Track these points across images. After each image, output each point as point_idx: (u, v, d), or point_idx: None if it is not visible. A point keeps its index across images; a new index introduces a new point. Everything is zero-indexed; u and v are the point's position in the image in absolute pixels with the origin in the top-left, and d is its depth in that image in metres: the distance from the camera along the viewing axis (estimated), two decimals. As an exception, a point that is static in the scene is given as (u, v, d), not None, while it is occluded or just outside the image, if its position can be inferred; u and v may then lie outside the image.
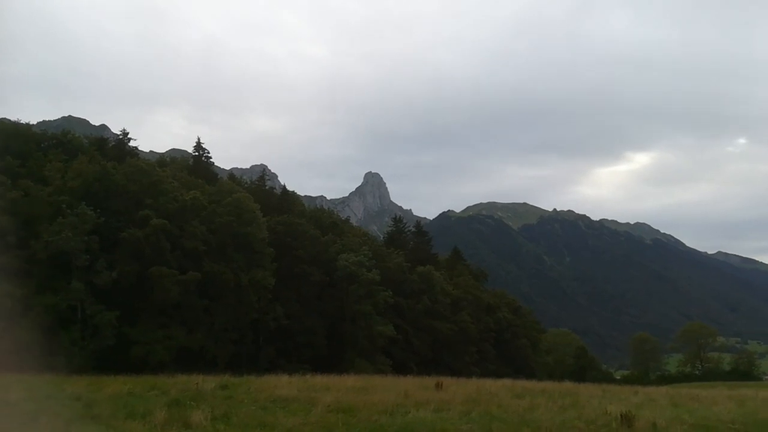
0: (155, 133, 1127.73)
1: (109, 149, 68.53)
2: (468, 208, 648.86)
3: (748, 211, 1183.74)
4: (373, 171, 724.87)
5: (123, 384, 25.09)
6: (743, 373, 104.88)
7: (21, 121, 71.90)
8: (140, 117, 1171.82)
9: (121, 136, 72.66)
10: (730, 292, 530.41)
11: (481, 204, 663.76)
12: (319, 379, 31.68)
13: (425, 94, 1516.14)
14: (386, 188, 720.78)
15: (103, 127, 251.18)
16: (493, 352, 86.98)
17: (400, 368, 59.75)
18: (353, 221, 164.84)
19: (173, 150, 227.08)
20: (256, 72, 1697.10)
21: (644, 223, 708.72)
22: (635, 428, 17.07)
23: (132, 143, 71.41)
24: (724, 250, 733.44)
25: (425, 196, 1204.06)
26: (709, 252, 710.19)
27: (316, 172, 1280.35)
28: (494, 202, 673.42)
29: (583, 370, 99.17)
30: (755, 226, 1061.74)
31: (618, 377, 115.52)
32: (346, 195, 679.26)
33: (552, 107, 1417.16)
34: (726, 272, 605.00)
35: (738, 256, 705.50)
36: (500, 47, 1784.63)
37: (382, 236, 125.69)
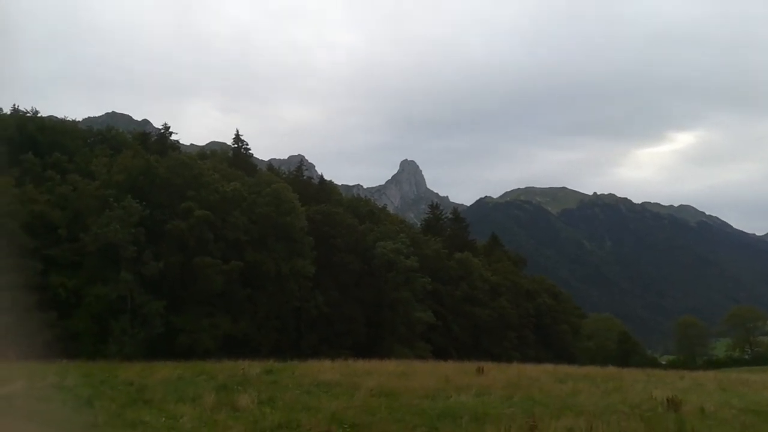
0: (191, 126, 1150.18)
1: (151, 143, 70.34)
2: (506, 193, 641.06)
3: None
4: (408, 158, 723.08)
5: (173, 370, 25.83)
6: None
7: (68, 119, 74.47)
8: (176, 109, 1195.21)
9: (162, 131, 74.46)
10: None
11: (518, 189, 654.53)
12: (361, 365, 31.99)
13: (458, 78, 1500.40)
14: (422, 175, 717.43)
15: (145, 122, 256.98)
16: (533, 338, 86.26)
17: (440, 354, 59.86)
18: (390, 209, 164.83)
19: (213, 143, 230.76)
20: (288, 61, 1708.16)
21: (688, 205, 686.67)
22: (682, 412, 16.77)
23: (173, 137, 73.13)
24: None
25: (461, 182, 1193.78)
26: (758, 233, 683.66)
27: (352, 160, 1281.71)
28: (532, 187, 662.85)
29: (626, 355, 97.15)
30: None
31: (663, 362, 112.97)
32: (383, 183, 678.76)
33: (589, 88, 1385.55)
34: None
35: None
36: (534, 28, 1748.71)
37: (419, 224, 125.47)
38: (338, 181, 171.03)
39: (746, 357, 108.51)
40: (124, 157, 57.09)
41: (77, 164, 58.63)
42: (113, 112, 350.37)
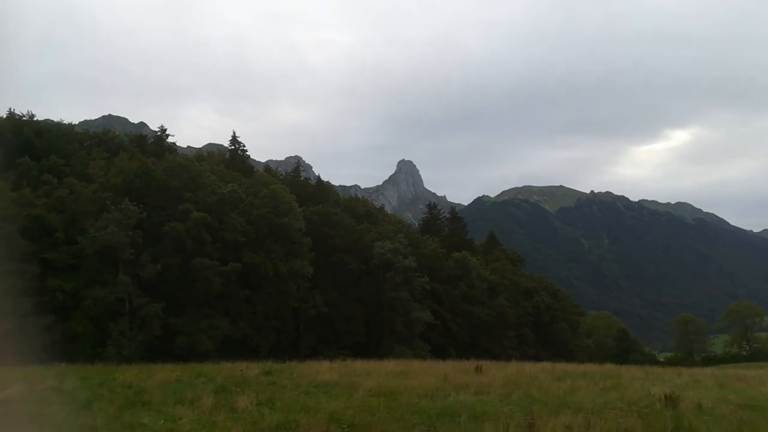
0: (188, 128, 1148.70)
1: (148, 146, 70.32)
2: (503, 192, 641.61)
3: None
4: (406, 158, 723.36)
5: (171, 372, 25.84)
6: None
7: (64, 122, 74.43)
8: (173, 112, 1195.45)
9: (159, 133, 74.41)
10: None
11: (516, 188, 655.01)
12: (360, 365, 32.07)
13: (455, 78, 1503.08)
14: (419, 175, 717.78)
15: (142, 124, 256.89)
16: (532, 336, 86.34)
17: (439, 353, 59.92)
18: (388, 209, 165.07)
19: (210, 144, 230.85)
20: (284, 62, 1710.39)
21: (686, 203, 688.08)
22: (680, 409, 16.82)
23: (170, 139, 73.15)
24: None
25: (459, 181, 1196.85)
26: (755, 230, 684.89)
27: (349, 161, 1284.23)
28: (530, 186, 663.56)
29: (624, 353, 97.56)
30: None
31: (661, 359, 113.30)
32: (380, 183, 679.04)
33: (585, 86, 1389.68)
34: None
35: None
36: (530, 27, 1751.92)
37: (417, 223, 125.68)
38: (335, 182, 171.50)
39: (744, 353, 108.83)
40: (121, 159, 57.04)
41: (74, 167, 58.58)
42: (110, 115, 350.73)
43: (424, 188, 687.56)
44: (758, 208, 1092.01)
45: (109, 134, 72.24)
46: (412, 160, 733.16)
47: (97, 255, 48.34)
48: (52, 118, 73.88)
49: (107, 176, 54.98)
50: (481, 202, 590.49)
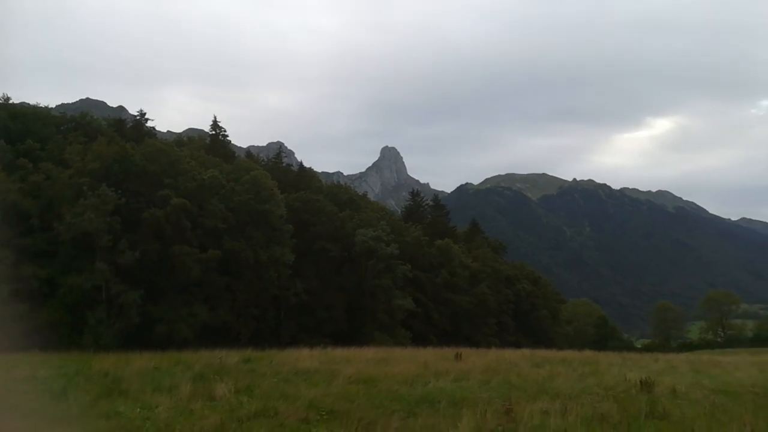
0: (169, 113, 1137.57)
1: (127, 130, 69.18)
2: (486, 180, 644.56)
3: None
4: (389, 145, 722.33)
5: (149, 360, 25.56)
6: (767, 340, 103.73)
7: (40, 105, 72.76)
8: (152, 95, 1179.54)
9: (138, 117, 73.27)
10: (755, 258, 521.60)
11: (499, 176, 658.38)
12: (340, 352, 32.03)
13: (438, 64, 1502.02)
14: (403, 162, 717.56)
15: (121, 108, 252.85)
16: (513, 324, 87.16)
17: (420, 341, 60.17)
18: (371, 196, 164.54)
19: (190, 129, 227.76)
20: (266, 46, 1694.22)
21: (666, 191, 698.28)
22: (655, 394, 17.07)
23: (149, 124, 72.05)
24: (748, 217, 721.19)
25: (442, 169, 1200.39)
26: (733, 219, 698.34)
27: (332, 147, 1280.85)
28: (513, 174, 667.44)
29: (603, 340, 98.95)
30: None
31: (639, 346, 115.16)
32: (363, 170, 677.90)
33: (569, 74, 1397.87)
34: (750, 239, 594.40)
35: (763, 222, 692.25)
36: (513, 14, 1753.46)
37: (399, 211, 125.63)
38: (318, 169, 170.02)
39: (719, 340, 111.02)
40: (99, 144, 56.00)
41: (50, 152, 57.41)
42: (87, 99, 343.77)
43: (408, 175, 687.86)
44: (737, 197, 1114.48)
45: (86, 118, 70.81)
46: (396, 147, 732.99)
47: (73, 241, 47.60)
48: (28, 101, 72.31)
49: (84, 161, 54.01)
50: (464, 189, 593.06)
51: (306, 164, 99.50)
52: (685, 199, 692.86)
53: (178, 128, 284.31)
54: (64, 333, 44.21)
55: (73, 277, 46.22)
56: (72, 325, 45.58)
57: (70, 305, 45.93)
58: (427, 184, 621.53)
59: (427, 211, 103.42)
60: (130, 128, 71.23)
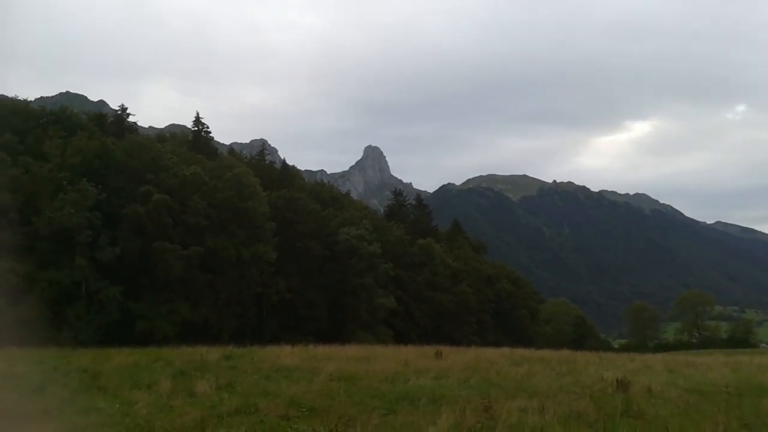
0: (150, 108, 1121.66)
1: (108, 125, 68.40)
2: (468, 180, 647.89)
3: (748, 179, 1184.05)
4: (372, 144, 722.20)
5: (128, 356, 25.43)
6: (740, 341, 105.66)
7: (19, 98, 71.57)
8: (134, 90, 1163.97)
9: (119, 112, 72.45)
10: (728, 261, 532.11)
11: (481, 176, 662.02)
12: (322, 350, 32.06)
13: (420, 65, 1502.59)
14: (386, 162, 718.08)
15: (102, 102, 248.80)
16: (493, 323, 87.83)
17: (401, 339, 60.43)
18: (354, 195, 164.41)
19: (172, 125, 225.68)
20: (249, 42, 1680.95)
21: (643, 194, 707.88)
22: (630, 393, 17.39)
23: (131, 119, 71.30)
24: (723, 220, 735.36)
25: (425, 169, 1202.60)
26: (708, 222, 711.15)
27: (316, 146, 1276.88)
28: (494, 175, 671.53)
29: (581, 339, 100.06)
30: (755, 194, 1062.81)
31: (616, 345, 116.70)
32: (347, 169, 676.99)
33: (549, 76, 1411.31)
34: (725, 242, 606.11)
35: (737, 225, 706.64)
36: (496, 16, 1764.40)
37: (382, 210, 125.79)
38: (301, 167, 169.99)
39: (694, 341, 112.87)
40: (79, 138, 55.30)
41: (29, 146, 56.50)
42: (67, 92, 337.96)
43: (391, 175, 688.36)
44: (711, 200, 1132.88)
45: (66, 112, 69.75)
46: (380, 147, 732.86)
47: (52, 237, 47.01)
48: (6, 94, 71.12)
49: (64, 156, 53.32)
50: (446, 189, 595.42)
51: (289, 162, 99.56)
52: (661, 201, 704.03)
53: (160, 124, 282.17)
54: (42, 329, 43.53)
55: (52, 273, 45.61)
56: (51, 320, 44.96)
57: (49, 301, 45.29)
58: (410, 183, 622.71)
59: (410, 210, 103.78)
60: (111, 123, 70.43)
